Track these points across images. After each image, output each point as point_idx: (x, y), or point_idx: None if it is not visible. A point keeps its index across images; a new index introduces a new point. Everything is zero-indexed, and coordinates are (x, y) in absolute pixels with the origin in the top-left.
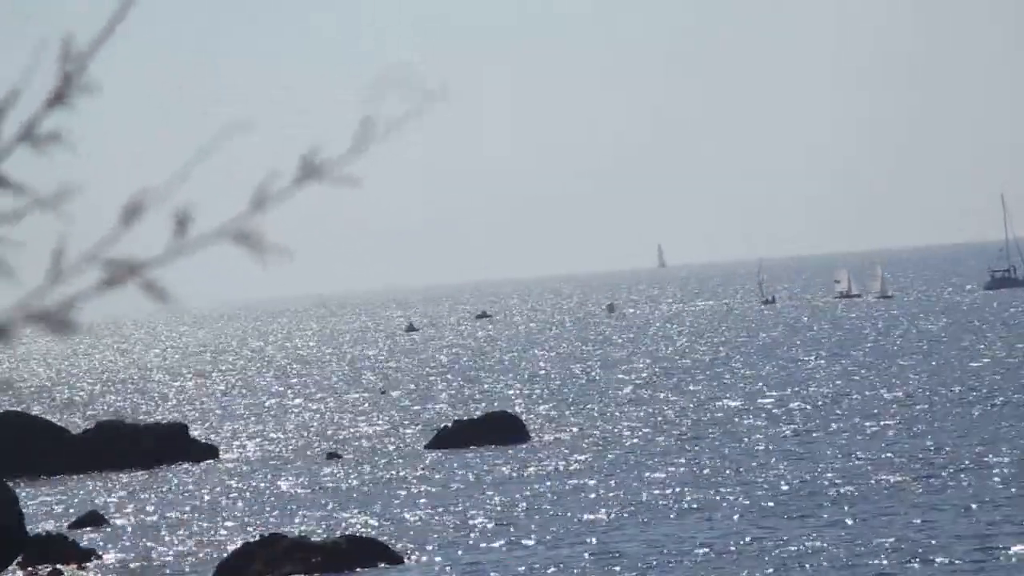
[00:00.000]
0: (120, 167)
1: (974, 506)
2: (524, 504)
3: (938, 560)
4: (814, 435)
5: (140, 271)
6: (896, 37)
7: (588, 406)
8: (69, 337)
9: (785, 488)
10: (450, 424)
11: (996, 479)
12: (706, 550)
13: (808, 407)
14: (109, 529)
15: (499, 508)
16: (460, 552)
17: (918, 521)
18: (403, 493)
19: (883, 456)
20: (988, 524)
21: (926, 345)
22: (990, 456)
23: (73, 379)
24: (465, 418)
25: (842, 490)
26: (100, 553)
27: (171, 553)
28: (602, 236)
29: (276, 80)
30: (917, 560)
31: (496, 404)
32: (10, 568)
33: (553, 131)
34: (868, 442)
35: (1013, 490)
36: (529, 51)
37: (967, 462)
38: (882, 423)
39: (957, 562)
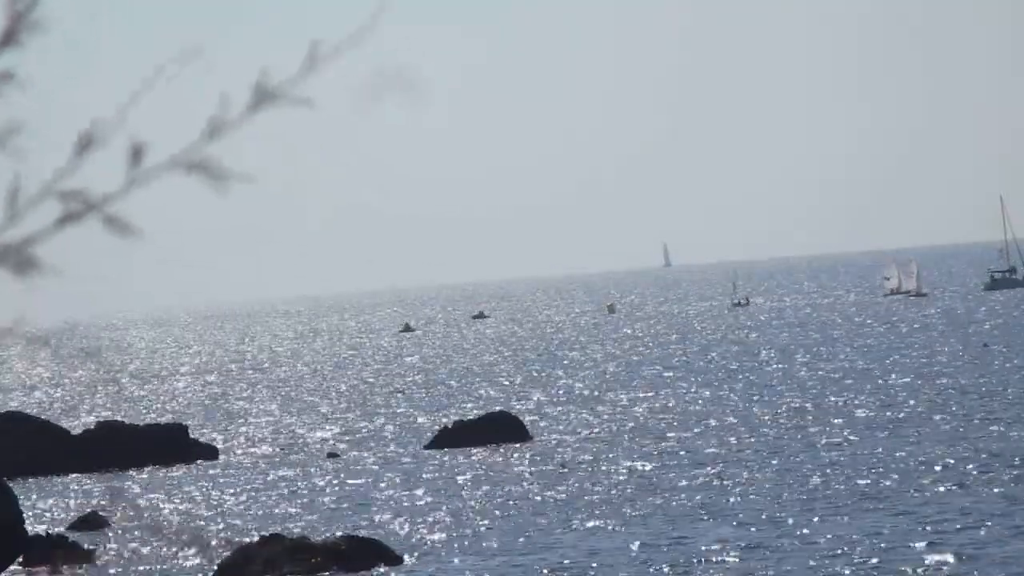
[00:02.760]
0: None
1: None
2: (524, 504)
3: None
4: (831, 437)
5: (99, 205)
6: (897, 38)
7: (588, 406)
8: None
9: (789, 488)
10: (450, 424)
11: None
12: (708, 550)
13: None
14: (109, 529)
15: (499, 508)
16: (460, 552)
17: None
18: (403, 493)
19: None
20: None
21: None
22: None
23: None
24: (465, 418)
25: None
26: (100, 553)
27: (171, 553)
28: (607, 236)
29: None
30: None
31: (496, 404)
32: (10, 568)
33: (556, 131)
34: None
35: None
36: (535, 49)
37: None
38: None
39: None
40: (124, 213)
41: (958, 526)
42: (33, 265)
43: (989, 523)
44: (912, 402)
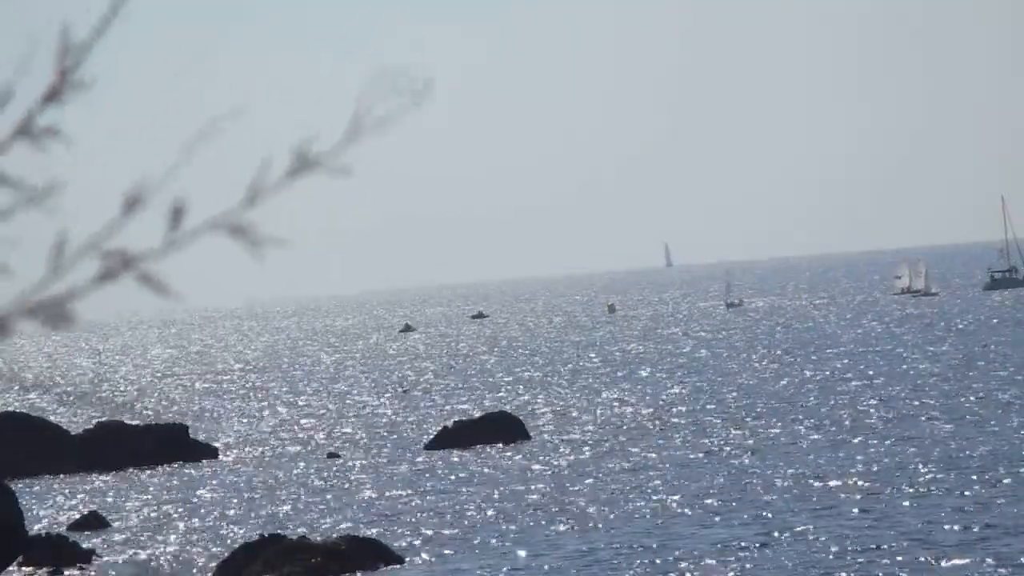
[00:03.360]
0: (115, 162)
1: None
2: (524, 504)
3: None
4: (835, 436)
5: (135, 263)
6: (897, 38)
7: (588, 406)
8: (67, 331)
9: (789, 488)
10: (450, 424)
11: None
12: (709, 550)
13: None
14: (109, 529)
15: (499, 508)
16: (460, 552)
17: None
18: (403, 493)
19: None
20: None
21: None
22: None
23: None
24: (465, 418)
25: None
26: (100, 553)
27: (171, 553)
28: (607, 236)
29: (268, 65)
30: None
31: (496, 404)
32: (10, 568)
33: (556, 131)
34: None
35: None
36: (535, 49)
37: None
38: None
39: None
40: (161, 272)
41: (957, 526)
42: (71, 321)
43: (989, 523)
44: (912, 402)
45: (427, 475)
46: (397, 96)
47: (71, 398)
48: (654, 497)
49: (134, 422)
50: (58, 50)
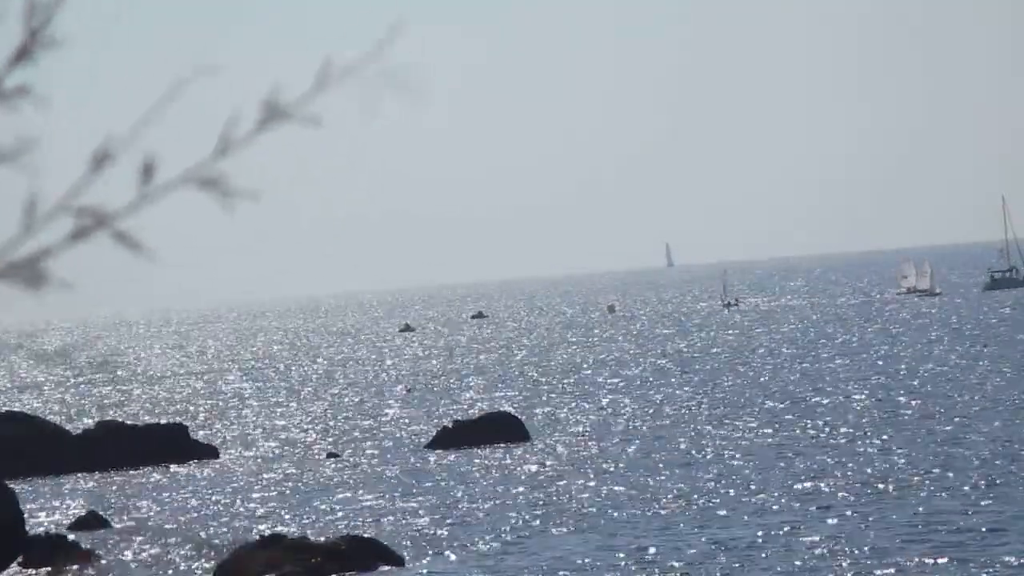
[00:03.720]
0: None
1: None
2: (524, 505)
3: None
4: (834, 435)
5: (109, 221)
6: (897, 38)
7: (588, 406)
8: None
9: (789, 488)
10: (450, 424)
11: None
12: (708, 550)
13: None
14: (109, 529)
15: (499, 509)
16: (460, 552)
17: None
18: (403, 493)
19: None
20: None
21: None
22: None
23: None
24: (465, 418)
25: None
26: (100, 553)
27: (171, 553)
28: (608, 236)
29: (268, 65)
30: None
31: (496, 404)
32: (10, 568)
33: (556, 131)
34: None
35: None
36: (535, 49)
37: None
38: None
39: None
40: (134, 228)
41: (956, 527)
42: (44, 280)
43: (986, 523)
44: (912, 401)
45: (427, 475)
46: (397, 89)
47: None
48: (654, 497)
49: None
50: (26, 9)
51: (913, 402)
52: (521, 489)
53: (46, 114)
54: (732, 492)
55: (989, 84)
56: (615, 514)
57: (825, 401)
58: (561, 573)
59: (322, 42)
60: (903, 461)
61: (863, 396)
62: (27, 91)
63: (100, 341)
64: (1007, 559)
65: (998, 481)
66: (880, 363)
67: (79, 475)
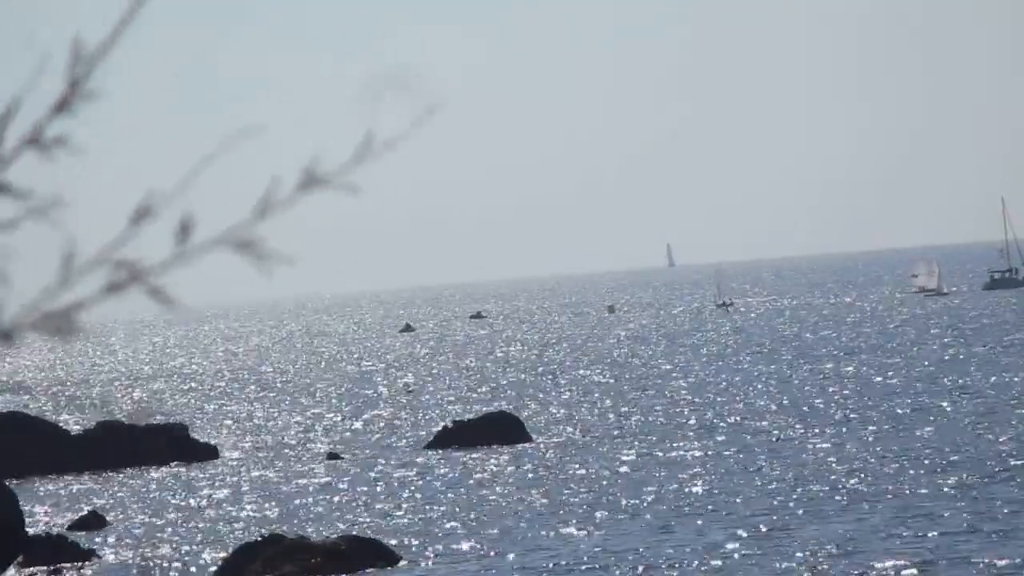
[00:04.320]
0: (123, 173)
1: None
2: (524, 504)
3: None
4: (838, 438)
5: (144, 276)
6: (897, 38)
7: (588, 406)
8: (71, 340)
9: (788, 487)
10: (450, 424)
11: None
12: (708, 550)
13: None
14: (109, 529)
15: (499, 509)
16: (460, 552)
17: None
18: (403, 493)
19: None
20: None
21: None
22: None
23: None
24: (465, 418)
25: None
26: (100, 553)
27: (171, 553)
28: (609, 236)
29: (268, 65)
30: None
31: (496, 404)
32: (10, 568)
33: (557, 131)
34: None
35: None
36: (535, 49)
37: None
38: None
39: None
40: (167, 284)
41: (952, 526)
42: (77, 331)
43: (984, 523)
44: (905, 401)
45: (427, 475)
46: (406, 100)
47: (79, 404)
48: (654, 498)
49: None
50: (69, 59)
51: (907, 400)
52: (521, 489)
53: (83, 165)
54: (732, 492)
55: (990, 84)
56: (615, 514)
57: (825, 401)
58: (561, 573)
59: (323, 42)
60: (901, 462)
61: (859, 396)
62: (64, 142)
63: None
64: (1008, 559)
65: (1000, 482)
66: (876, 363)
67: (79, 475)
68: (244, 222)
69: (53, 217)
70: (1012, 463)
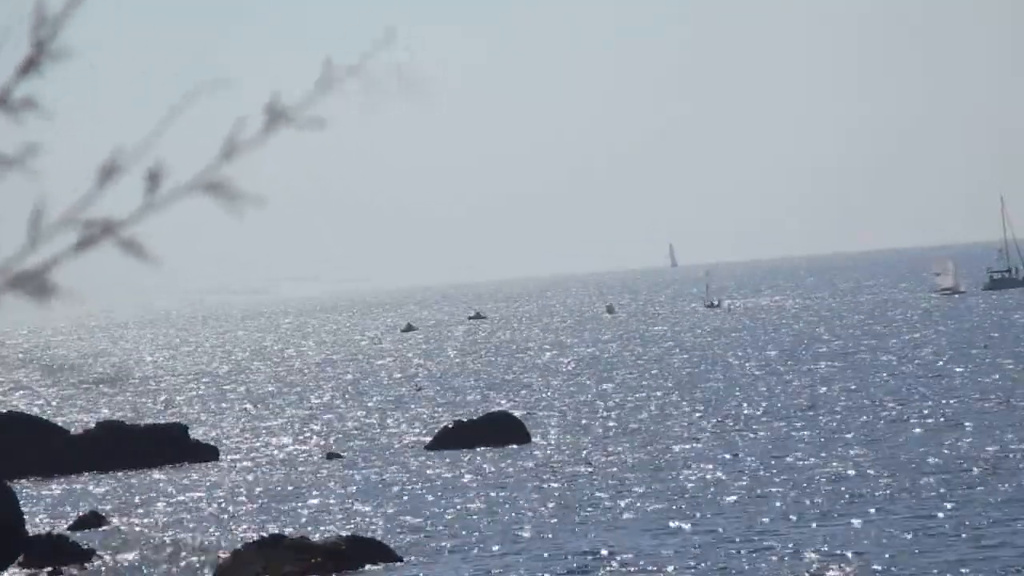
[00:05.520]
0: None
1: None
2: (524, 505)
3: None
4: (836, 437)
5: (115, 229)
6: (895, 37)
7: (587, 406)
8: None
9: (788, 487)
10: (450, 424)
11: None
12: (707, 550)
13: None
14: (109, 529)
15: (499, 509)
16: (460, 553)
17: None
18: (403, 493)
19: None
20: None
21: None
22: None
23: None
24: (465, 418)
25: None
26: (100, 553)
27: (171, 553)
28: (611, 236)
29: (268, 65)
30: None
31: (496, 404)
32: (10, 568)
33: (558, 130)
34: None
35: None
36: (535, 49)
37: None
38: None
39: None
40: (140, 236)
41: (950, 527)
42: (51, 291)
43: (981, 523)
44: (900, 403)
45: (427, 475)
46: (397, 84)
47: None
48: (654, 498)
49: (133, 421)
50: (33, 21)
51: (903, 402)
52: (521, 489)
53: (54, 126)
54: (732, 492)
55: (988, 84)
56: (615, 514)
57: (825, 401)
58: (561, 573)
59: (323, 43)
60: (899, 461)
61: (857, 396)
62: (34, 104)
63: (103, 352)
64: (1007, 559)
65: (996, 483)
66: (872, 363)
67: (79, 475)
68: (211, 165)
69: (25, 170)
70: (998, 468)
